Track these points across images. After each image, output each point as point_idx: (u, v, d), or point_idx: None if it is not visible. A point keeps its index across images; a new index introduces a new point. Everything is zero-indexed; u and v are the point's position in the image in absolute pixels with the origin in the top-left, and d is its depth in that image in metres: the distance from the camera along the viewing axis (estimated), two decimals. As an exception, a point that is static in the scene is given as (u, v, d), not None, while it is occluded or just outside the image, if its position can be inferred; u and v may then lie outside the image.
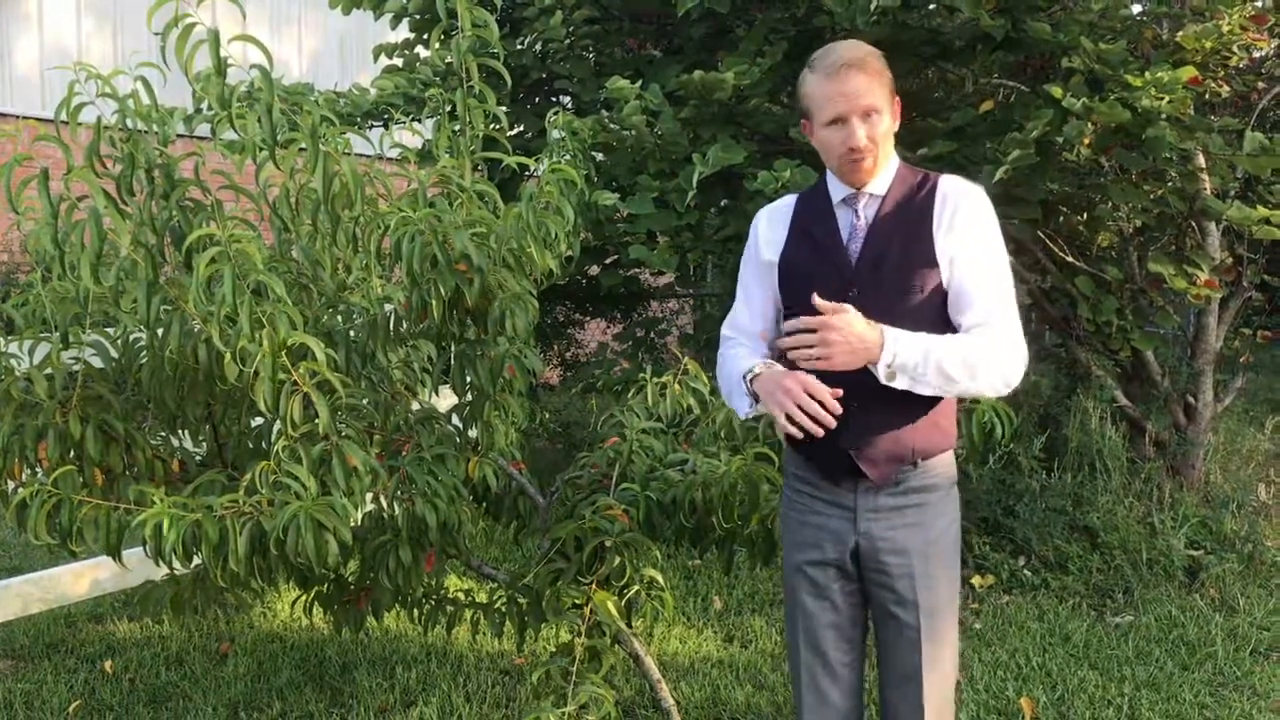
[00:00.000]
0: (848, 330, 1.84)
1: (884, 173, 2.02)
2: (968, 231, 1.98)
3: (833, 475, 2.06)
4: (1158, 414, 5.12)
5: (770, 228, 2.15)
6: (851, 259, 2.01)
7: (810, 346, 1.85)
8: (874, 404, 1.95)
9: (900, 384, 1.89)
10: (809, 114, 2.02)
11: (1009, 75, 4.65)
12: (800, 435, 1.88)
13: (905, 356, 1.87)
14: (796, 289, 2.05)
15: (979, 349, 1.91)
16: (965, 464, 4.66)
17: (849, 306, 1.85)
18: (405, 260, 2.34)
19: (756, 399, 2.02)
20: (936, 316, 1.97)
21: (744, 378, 2.04)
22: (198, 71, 2.24)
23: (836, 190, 2.06)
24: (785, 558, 2.17)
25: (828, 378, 1.91)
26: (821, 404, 1.87)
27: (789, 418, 1.87)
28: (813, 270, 2.04)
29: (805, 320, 1.86)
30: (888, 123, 1.96)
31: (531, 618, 2.87)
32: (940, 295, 1.97)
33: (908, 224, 1.99)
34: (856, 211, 2.03)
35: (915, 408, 1.99)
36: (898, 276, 1.96)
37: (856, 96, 1.91)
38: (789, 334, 1.89)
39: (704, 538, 2.87)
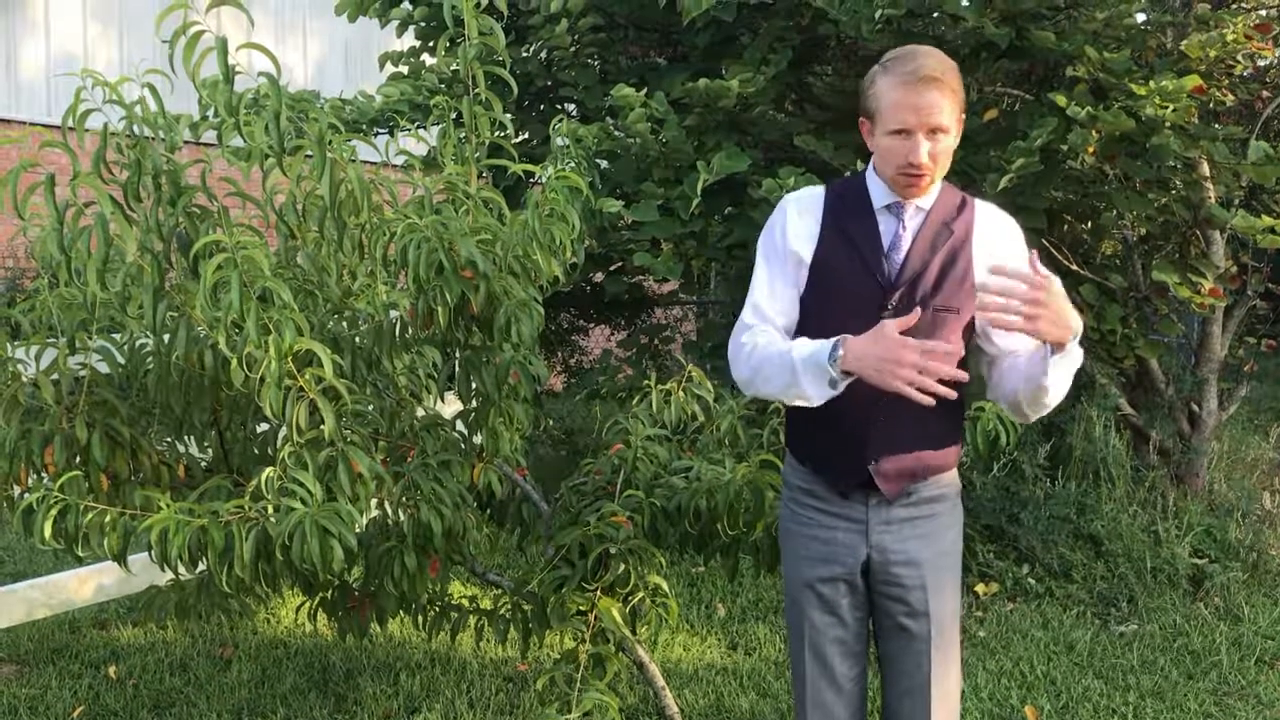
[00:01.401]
0: (1058, 302, 1.72)
1: (933, 187, 1.97)
2: (1009, 261, 1.94)
3: (843, 489, 2.03)
4: (1162, 422, 5.11)
5: (801, 218, 2.03)
6: (891, 270, 1.95)
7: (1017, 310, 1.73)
8: (899, 418, 1.93)
9: (1053, 378, 1.82)
10: (872, 115, 1.92)
11: (1013, 83, 4.66)
12: (931, 401, 1.76)
13: (1077, 352, 1.81)
14: (828, 290, 1.99)
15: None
16: (970, 472, 4.66)
17: (1055, 277, 1.73)
18: (411, 267, 2.35)
19: (834, 382, 1.85)
20: (958, 339, 1.96)
21: (830, 360, 1.83)
22: (204, 78, 2.25)
23: (879, 194, 1.98)
24: (790, 572, 2.12)
25: (858, 393, 1.86)
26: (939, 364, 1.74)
27: (919, 388, 1.74)
28: (848, 274, 1.97)
29: (1027, 281, 1.71)
30: (951, 142, 1.89)
31: (536, 624, 2.88)
32: (969, 318, 1.96)
33: (950, 245, 1.95)
34: (902, 222, 1.96)
35: (935, 423, 1.96)
36: (936, 294, 1.93)
37: (929, 112, 1.83)
38: (994, 290, 1.74)
39: (708, 545, 2.87)
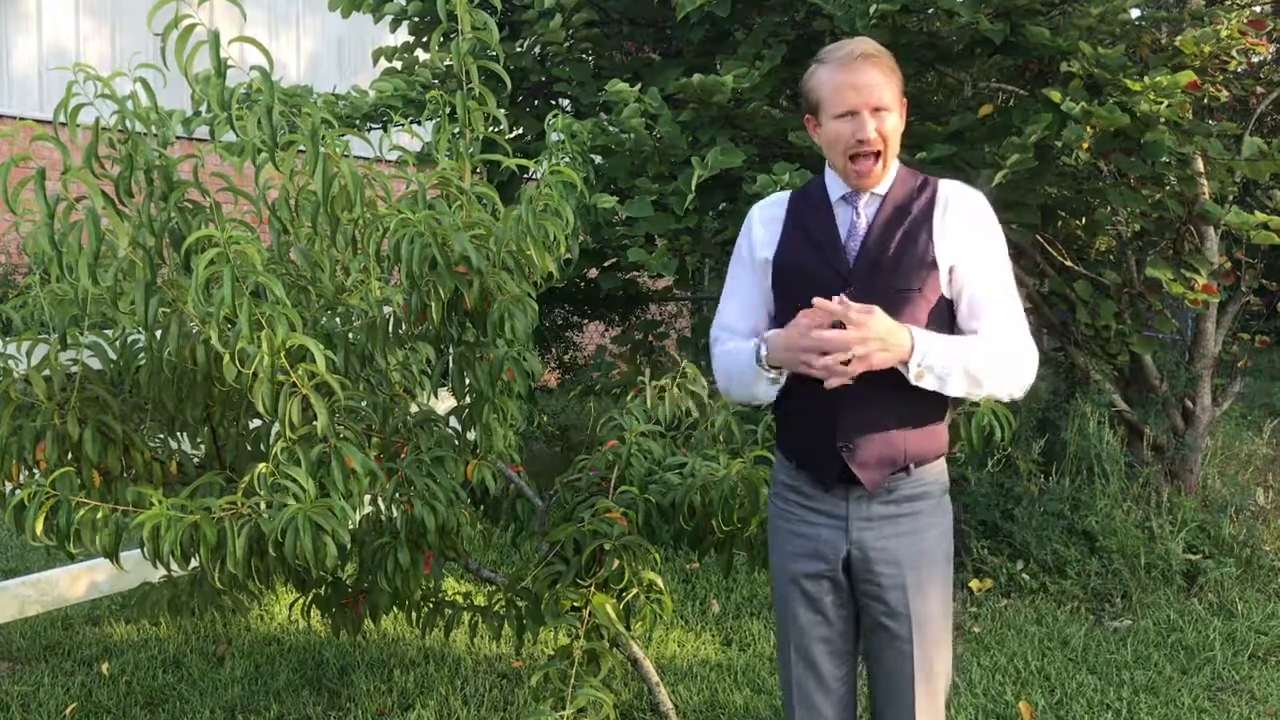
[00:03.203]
0: (880, 329, 1.82)
1: (887, 174, 1.99)
2: (971, 237, 1.97)
3: (825, 482, 2.02)
4: (1156, 418, 5.12)
5: (765, 226, 2.10)
6: (849, 259, 1.98)
7: (840, 352, 1.82)
8: (866, 403, 1.93)
9: (928, 384, 1.88)
10: (815, 108, 1.97)
11: (1008, 79, 4.66)
12: (848, 380, 1.85)
13: (934, 357, 1.87)
14: (791, 287, 2.02)
15: (1001, 352, 1.93)
16: (964, 467, 4.66)
17: (875, 307, 1.83)
18: (404, 262, 2.34)
19: (776, 375, 1.98)
20: (932, 321, 1.95)
21: (757, 359, 1.97)
22: (197, 73, 2.24)
23: (835, 188, 2.02)
24: (777, 569, 2.13)
25: (811, 380, 1.89)
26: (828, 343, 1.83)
27: (827, 369, 1.84)
28: (808, 269, 2.00)
29: (837, 335, 1.82)
30: (896, 122, 1.93)
31: (530, 621, 2.87)
32: (937, 299, 1.96)
33: (907, 226, 1.96)
34: (857, 210, 1.99)
35: (908, 409, 1.96)
36: (895, 278, 1.94)
37: (870, 90, 1.88)
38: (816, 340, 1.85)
39: (702, 541, 2.87)
